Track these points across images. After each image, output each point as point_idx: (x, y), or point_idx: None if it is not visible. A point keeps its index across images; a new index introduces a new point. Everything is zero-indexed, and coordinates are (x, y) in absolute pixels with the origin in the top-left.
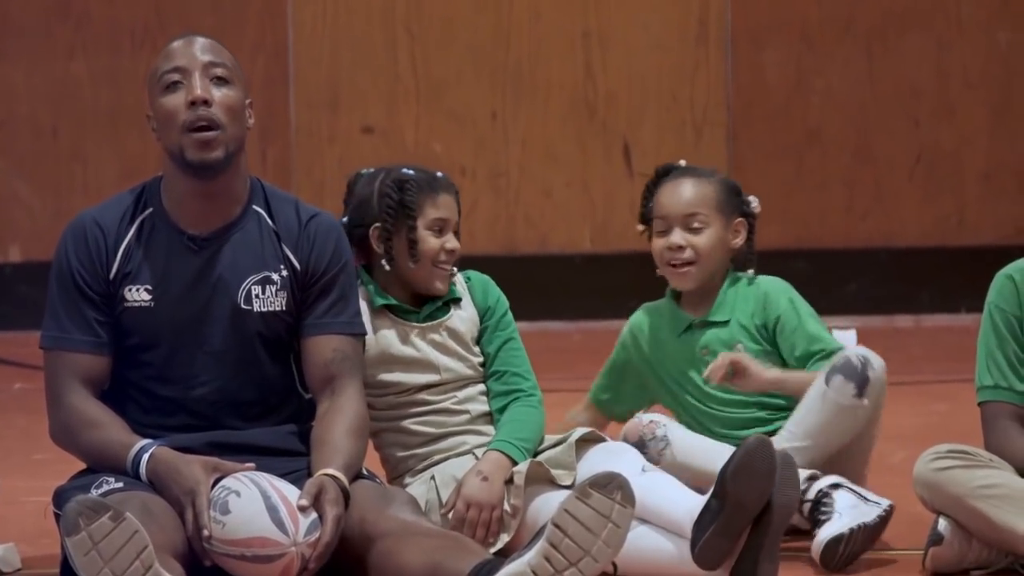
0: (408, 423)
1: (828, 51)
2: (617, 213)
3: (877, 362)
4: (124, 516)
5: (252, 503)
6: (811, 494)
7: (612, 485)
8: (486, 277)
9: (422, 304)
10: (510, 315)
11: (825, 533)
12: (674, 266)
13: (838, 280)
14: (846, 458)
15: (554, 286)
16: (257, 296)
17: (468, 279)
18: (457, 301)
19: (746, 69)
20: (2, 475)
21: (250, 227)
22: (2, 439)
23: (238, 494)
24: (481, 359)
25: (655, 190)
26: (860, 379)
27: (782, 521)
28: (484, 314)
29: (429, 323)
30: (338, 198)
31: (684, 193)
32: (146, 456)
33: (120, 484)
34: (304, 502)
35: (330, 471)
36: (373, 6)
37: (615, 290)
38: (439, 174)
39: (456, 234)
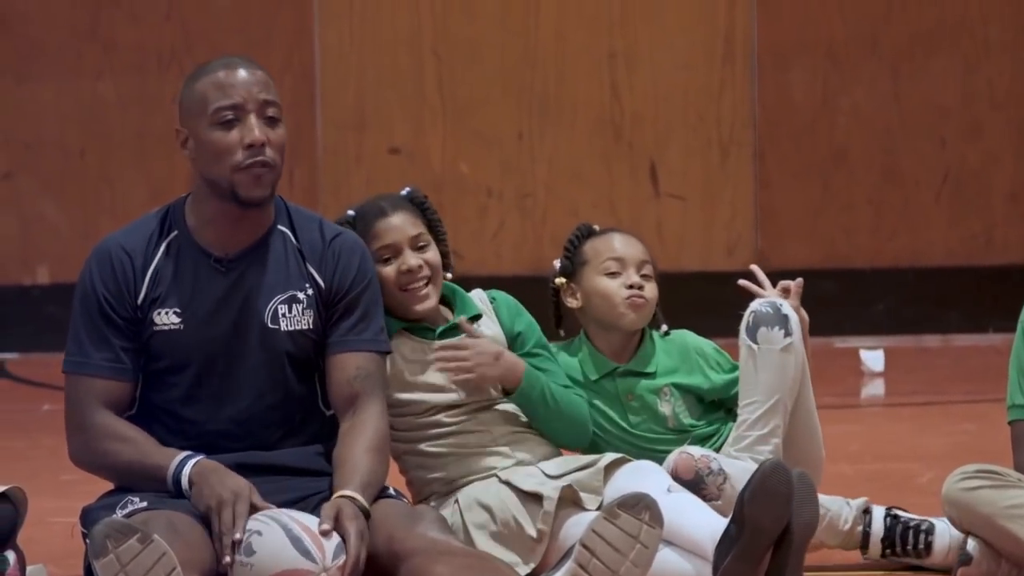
0: (428, 445)
1: (854, 70)
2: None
3: (781, 301)
4: (152, 538)
5: (275, 538)
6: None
7: (640, 505)
8: (513, 299)
9: (439, 323)
10: (543, 338)
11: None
12: (636, 302)
13: (866, 300)
14: (798, 444)
15: None
16: (284, 315)
17: (493, 299)
18: (479, 318)
19: (772, 88)
20: (30, 495)
21: (275, 246)
22: (30, 459)
23: (260, 533)
24: None
25: (582, 243)
26: (780, 320)
27: (803, 540)
28: (515, 339)
29: (447, 341)
30: None
31: (635, 243)
32: (192, 463)
33: (144, 503)
34: (326, 526)
35: (347, 492)
36: (400, 28)
37: None
38: (398, 194)
39: (423, 247)
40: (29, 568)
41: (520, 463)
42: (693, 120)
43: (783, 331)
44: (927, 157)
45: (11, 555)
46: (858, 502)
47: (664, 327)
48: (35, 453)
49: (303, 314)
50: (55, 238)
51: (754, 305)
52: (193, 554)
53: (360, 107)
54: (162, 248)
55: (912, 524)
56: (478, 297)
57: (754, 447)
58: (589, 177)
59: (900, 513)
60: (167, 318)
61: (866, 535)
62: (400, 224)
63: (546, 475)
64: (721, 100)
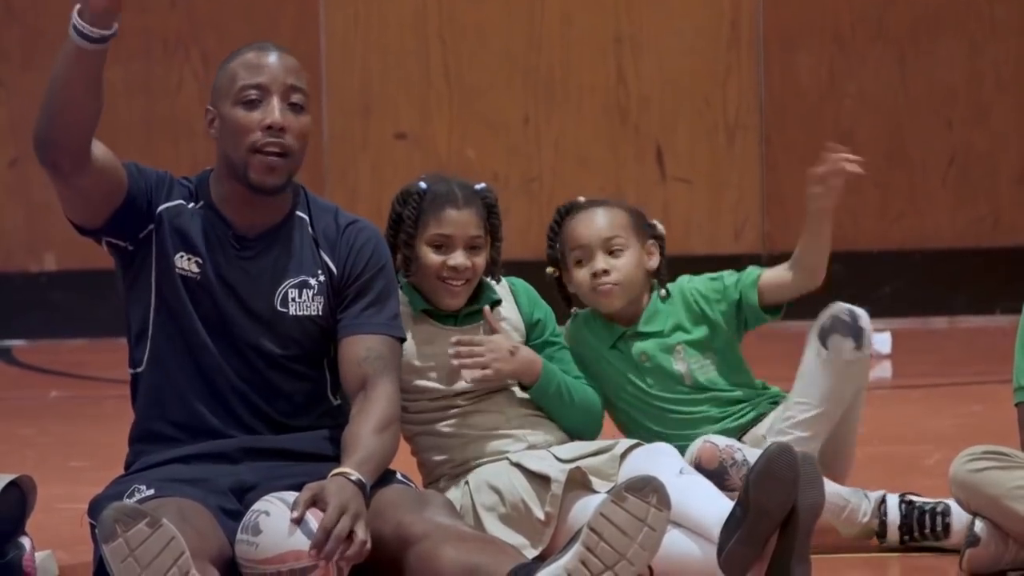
0: (442, 426)
1: (860, 54)
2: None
3: (861, 311)
4: (161, 523)
5: (281, 519)
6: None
7: (648, 488)
8: (531, 288)
9: (460, 308)
10: (559, 330)
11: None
12: (602, 288)
13: (873, 283)
14: (836, 449)
15: None
16: (294, 300)
17: (512, 285)
18: (499, 304)
19: (778, 72)
20: (39, 482)
21: (292, 232)
22: (38, 446)
23: (267, 513)
24: None
25: (562, 227)
26: (855, 331)
27: (809, 523)
28: (532, 326)
29: (467, 326)
30: (371, 204)
31: (599, 220)
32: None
33: (152, 491)
34: (294, 514)
35: (341, 469)
36: (405, 13)
37: None
38: (473, 187)
39: (475, 248)
40: (38, 554)
41: (532, 446)
42: (699, 104)
43: (855, 344)
44: (934, 140)
45: (27, 541)
46: (876, 495)
47: (663, 291)
48: (43, 440)
49: (313, 300)
50: (62, 225)
51: (834, 308)
52: (203, 542)
53: (366, 93)
54: (191, 204)
55: (928, 508)
56: (498, 284)
57: (794, 441)
58: (595, 161)
59: (914, 498)
60: (188, 264)
61: (882, 523)
62: (466, 221)
63: (557, 459)
64: (727, 84)
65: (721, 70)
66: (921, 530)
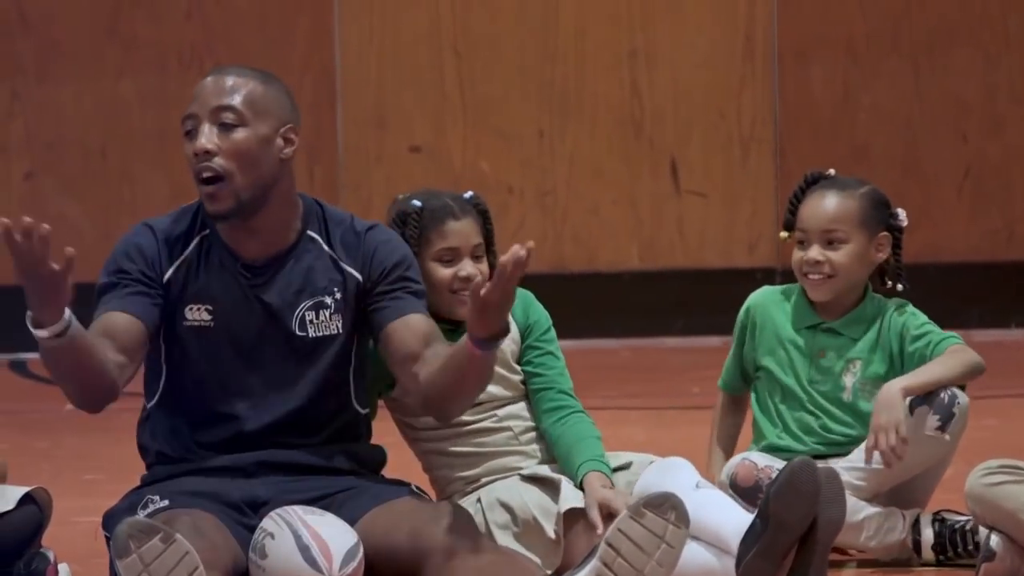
0: (447, 444)
1: (875, 66)
2: (665, 230)
3: (963, 398)
4: (174, 537)
5: (285, 545)
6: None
7: (666, 505)
8: (527, 293)
9: (461, 323)
10: (553, 332)
11: None
12: (811, 278)
13: (887, 295)
14: (918, 485)
15: (602, 303)
16: (311, 321)
17: None
18: None
19: (792, 85)
20: (54, 495)
21: (304, 254)
22: (53, 459)
23: (272, 536)
24: (522, 377)
25: (801, 199)
26: (945, 413)
27: (828, 538)
28: (525, 332)
29: None
30: (385, 217)
31: (826, 208)
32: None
33: (166, 503)
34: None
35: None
36: (420, 26)
37: (663, 307)
38: (462, 196)
39: (479, 257)
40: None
41: (542, 462)
42: (714, 117)
43: (940, 423)
44: (948, 152)
45: (50, 552)
46: (911, 512)
47: (889, 284)
48: (58, 453)
49: (331, 319)
50: (77, 237)
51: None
52: (217, 555)
53: (380, 105)
54: (194, 242)
55: (959, 526)
56: None
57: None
58: (610, 174)
59: (946, 516)
60: (198, 314)
61: (916, 543)
62: (467, 231)
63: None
64: (742, 97)
65: (735, 83)
66: (955, 548)
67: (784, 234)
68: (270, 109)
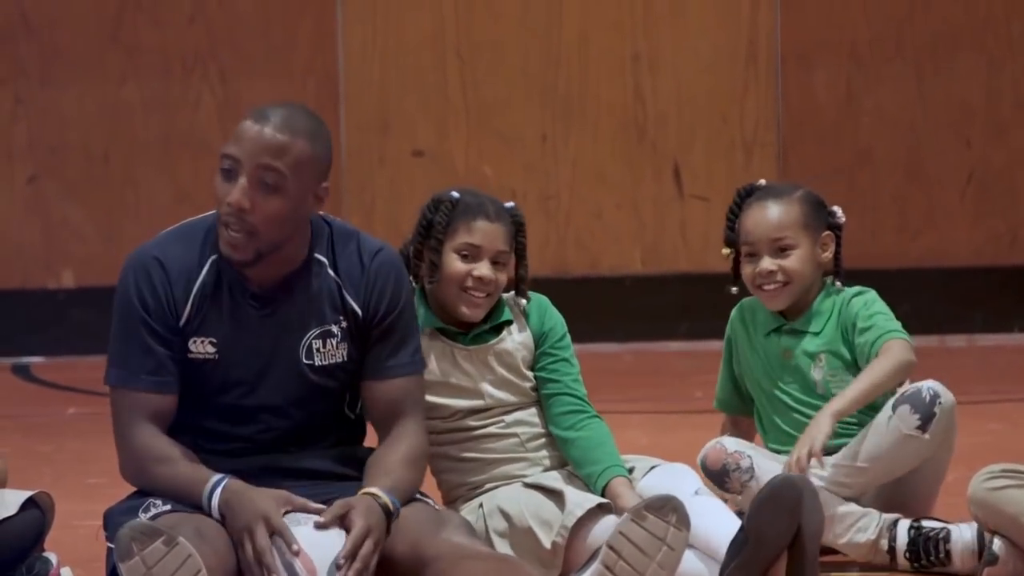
0: (454, 449)
1: (878, 70)
2: (667, 234)
3: (947, 398)
4: (177, 541)
5: (279, 555)
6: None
7: (667, 508)
8: (544, 299)
9: (471, 327)
10: (568, 339)
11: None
12: (766, 289)
13: (890, 300)
14: (913, 489)
15: (605, 308)
16: (318, 350)
17: (527, 302)
18: (510, 323)
19: (795, 89)
20: (56, 499)
21: (311, 279)
22: (56, 463)
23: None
24: (533, 383)
25: (739, 214)
26: (926, 413)
27: (815, 548)
28: (540, 338)
29: (477, 346)
30: (388, 221)
31: (769, 217)
32: (219, 490)
33: (168, 507)
34: (321, 520)
35: (371, 489)
36: (423, 30)
37: (666, 311)
38: (504, 204)
39: (500, 264)
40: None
41: (547, 469)
42: (717, 121)
43: (920, 423)
44: (951, 157)
45: (53, 556)
46: (889, 516)
47: (837, 284)
48: (61, 457)
49: (337, 348)
50: (80, 242)
51: (926, 382)
52: (220, 559)
53: (383, 109)
54: (205, 269)
55: (932, 534)
56: (513, 301)
57: (831, 480)
58: (613, 179)
59: (924, 523)
60: (203, 347)
61: (892, 549)
62: (496, 234)
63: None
64: (745, 101)
65: (738, 87)
66: (927, 556)
67: (726, 251)
68: (312, 171)
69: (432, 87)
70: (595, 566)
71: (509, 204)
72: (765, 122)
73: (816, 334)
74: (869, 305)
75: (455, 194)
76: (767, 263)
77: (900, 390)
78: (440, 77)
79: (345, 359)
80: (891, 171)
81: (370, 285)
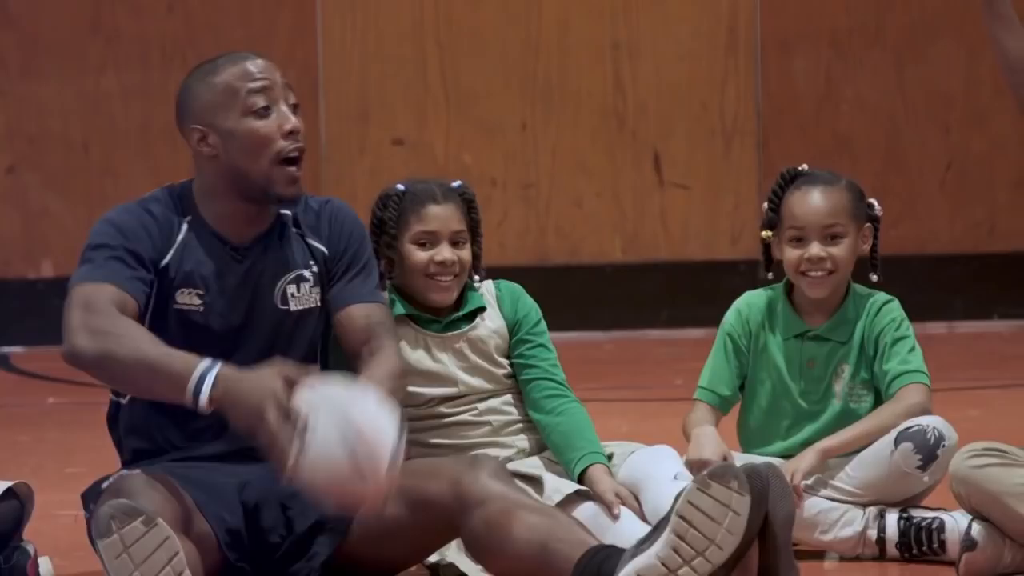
0: (427, 436)
1: (858, 59)
2: (647, 223)
3: (951, 441)
4: (156, 522)
5: (328, 444)
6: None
7: (728, 475)
8: (517, 287)
9: (444, 313)
10: (543, 324)
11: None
12: (811, 275)
13: (870, 288)
14: (902, 491)
15: (585, 296)
16: (293, 295)
17: (499, 289)
18: (483, 311)
19: (775, 78)
20: (36, 489)
21: (283, 231)
22: (35, 453)
23: (315, 431)
24: (507, 371)
25: (782, 196)
26: (928, 455)
27: (786, 533)
28: (514, 326)
29: (450, 333)
30: (368, 210)
31: (822, 203)
32: (209, 379)
33: (137, 472)
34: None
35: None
36: (402, 18)
37: (646, 300)
38: (449, 183)
39: (459, 244)
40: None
41: (521, 451)
42: (696, 109)
43: (921, 464)
44: (931, 145)
45: (30, 546)
46: (873, 508)
47: (874, 277)
48: (40, 447)
49: (311, 292)
50: (59, 232)
51: (931, 419)
52: (172, 505)
53: (363, 98)
54: (185, 225)
55: (924, 524)
56: (485, 288)
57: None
58: (593, 167)
59: (913, 513)
60: (189, 299)
61: (881, 540)
62: (447, 215)
63: (555, 474)
64: (724, 89)
65: (718, 76)
66: (919, 547)
67: (767, 233)
68: None
69: (412, 76)
70: (666, 535)
71: (456, 183)
72: (745, 110)
73: (842, 343)
74: (897, 324)
75: (400, 187)
76: (817, 249)
77: (904, 424)
78: (420, 66)
79: (317, 303)
80: (871, 159)
81: (329, 224)
